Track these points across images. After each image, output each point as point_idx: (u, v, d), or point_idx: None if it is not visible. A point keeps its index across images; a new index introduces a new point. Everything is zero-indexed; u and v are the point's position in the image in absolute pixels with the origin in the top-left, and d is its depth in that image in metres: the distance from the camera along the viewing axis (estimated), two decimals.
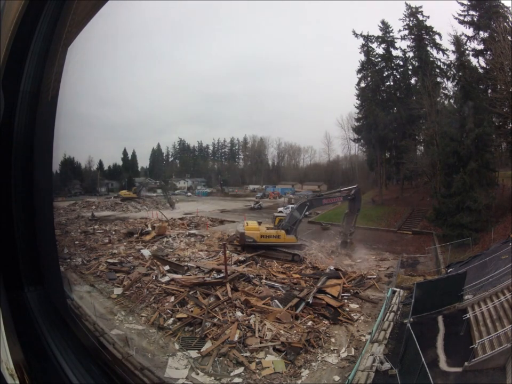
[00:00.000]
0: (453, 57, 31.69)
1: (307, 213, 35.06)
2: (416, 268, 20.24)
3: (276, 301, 13.77)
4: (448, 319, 12.12)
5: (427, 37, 33.97)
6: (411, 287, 14.62)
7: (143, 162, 68.14)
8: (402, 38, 34.96)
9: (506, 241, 17.20)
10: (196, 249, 21.58)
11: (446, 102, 32.48)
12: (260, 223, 22.29)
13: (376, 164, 37.58)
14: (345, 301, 14.59)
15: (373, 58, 36.37)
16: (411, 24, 34.48)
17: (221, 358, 10.57)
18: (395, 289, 15.32)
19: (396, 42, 35.52)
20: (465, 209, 22.15)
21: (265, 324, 12.12)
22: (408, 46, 35.05)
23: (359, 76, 36.51)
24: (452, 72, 32.35)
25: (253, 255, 19.39)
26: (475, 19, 29.62)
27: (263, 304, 13.44)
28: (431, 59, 33.53)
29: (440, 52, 33.43)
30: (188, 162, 68.46)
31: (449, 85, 32.89)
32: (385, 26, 35.94)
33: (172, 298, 14.05)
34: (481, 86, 28.07)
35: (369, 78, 36.07)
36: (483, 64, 28.90)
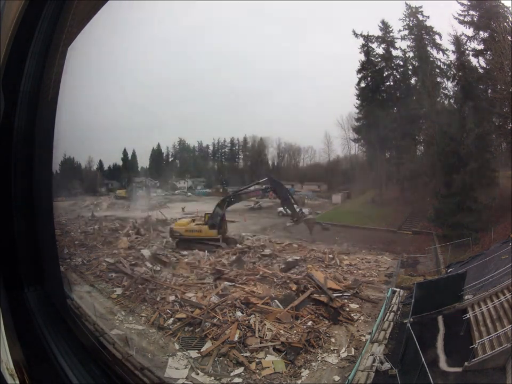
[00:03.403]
0: (453, 57, 31.65)
1: (307, 213, 35.20)
2: (416, 267, 20.23)
3: (276, 301, 13.77)
4: (448, 319, 12.11)
5: (427, 37, 33.92)
6: (411, 287, 14.61)
7: (143, 162, 67.99)
8: (402, 38, 34.91)
9: (506, 241, 17.17)
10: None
11: (446, 102, 32.48)
12: (193, 220, 23.82)
13: (376, 164, 37.55)
14: (345, 300, 14.59)
15: (373, 58, 36.34)
16: (411, 24, 34.44)
17: (221, 358, 10.58)
18: (395, 289, 15.32)
19: (396, 42, 35.47)
20: (465, 209, 22.13)
21: (265, 324, 12.12)
22: (408, 46, 35.00)
23: (359, 75, 36.48)
24: (452, 72, 32.29)
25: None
26: (475, 19, 29.56)
27: (263, 304, 13.44)
28: (431, 59, 33.49)
29: (440, 52, 33.37)
30: (188, 162, 68.37)
31: (449, 85, 32.86)
32: (385, 26, 35.88)
33: (172, 297, 14.08)
34: (481, 86, 28.02)
35: (369, 78, 36.04)
36: (483, 64, 28.86)
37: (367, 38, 35.79)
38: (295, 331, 11.92)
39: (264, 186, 23.28)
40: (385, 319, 12.77)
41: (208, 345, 11.10)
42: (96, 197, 44.70)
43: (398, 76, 36.09)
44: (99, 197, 45.54)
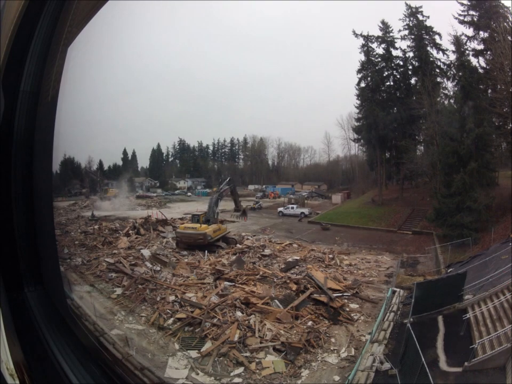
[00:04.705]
0: (453, 57, 31.76)
1: (307, 213, 35.39)
2: (416, 267, 20.23)
3: (276, 301, 13.77)
4: (448, 319, 12.11)
5: (427, 37, 33.97)
6: (411, 287, 14.61)
7: (143, 162, 68.19)
8: (402, 38, 35.01)
9: (506, 241, 17.18)
10: None
11: (446, 102, 32.51)
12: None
13: (376, 164, 37.59)
14: (345, 300, 14.59)
15: (373, 58, 36.36)
16: (411, 24, 34.49)
17: (221, 358, 10.56)
18: (395, 289, 15.32)
19: (396, 42, 35.56)
20: (465, 209, 22.13)
21: (265, 324, 12.11)
22: (408, 46, 35.09)
23: (359, 76, 36.54)
24: (452, 72, 32.38)
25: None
26: (475, 19, 29.60)
27: (263, 304, 13.44)
28: (431, 59, 33.52)
29: (440, 52, 33.47)
30: (188, 162, 68.43)
31: (449, 85, 32.94)
32: (385, 26, 35.95)
33: (172, 297, 14.07)
34: (481, 86, 28.02)
35: (369, 78, 36.05)
36: (483, 64, 28.91)
37: (367, 38, 35.84)
38: (295, 331, 11.91)
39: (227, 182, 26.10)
40: (385, 319, 12.77)
41: (208, 345, 11.09)
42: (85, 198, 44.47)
43: (398, 76, 36.12)
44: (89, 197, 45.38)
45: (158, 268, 17.87)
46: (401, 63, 35.82)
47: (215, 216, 23.22)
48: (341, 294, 14.86)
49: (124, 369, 2.56)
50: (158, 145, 68.70)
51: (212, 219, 22.74)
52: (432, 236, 24.82)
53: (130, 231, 24.94)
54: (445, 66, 33.29)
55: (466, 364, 9.28)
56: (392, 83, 36.45)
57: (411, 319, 11.63)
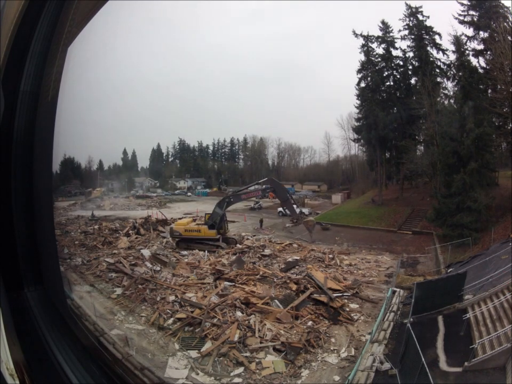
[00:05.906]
0: (453, 57, 31.74)
1: (307, 213, 35.31)
2: (416, 268, 20.23)
3: (276, 301, 13.77)
4: (448, 319, 12.11)
5: (427, 37, 33.96)
6: (411, 287, 14.61)
7: (143, 162, 68.28)
8: (402, 38, 34.99)
9: (506, 241, 17.19)
10: None
11: (446, 102, 32.48)
12: (194, 220, 24.26)
13: (376, 164, 37.59)
14: (345, 300, 14.59)
15: (373, 58, 36.36)
16: (411, 24, 34.47)
17: (221, 358, 10.56)
18: (395, 289, 15.32)
19: (396, 42, 35.55)
20: (465, 209, 22.13)
21: (265, 324, 12.11)
22: (408, 46, 35.08)
23: (359, 76, 36.54)
24: (452, 72, 32.36)
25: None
26: (475, 19, 29.60)
27: (263, 304, 13.43)
28: (431, 59, 33.51)
29: (440, 52, 33.46)
30: (188, 162, 68.43)
31: (449, 85, 32.93)
32: (385, 26, 35.94)
33: (172, 297, 14.08)
34: (481, 86, 28.02)
35: (369, 78, 36.05)
36: (483, 64, 28.93)
37: (367, 38, 35.83)
38: (295, 331, 11.91)
39: (264, 186, 23.51)
40: (385, 319, 12.77)
41: (208, 345, 11.09)
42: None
43: (398, 76, 36.12)
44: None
45: (158, 268, 17.88)
46: (401, 63, 35.83)
47: (217, 220, 22.29)
48: (341, 294, 14.86)
49: (124, 369, 2.56)
50: (158, 145, 68.80)
51: (214, 222, 22.22)
52: (432, 236, 24.81)
53: (130, 231, 24.96)
54: (445, 66, 33.31)
55: (466, 364, 9.28)
56: (392, 83, 36.45)
57: (411, 319, 11.62)
